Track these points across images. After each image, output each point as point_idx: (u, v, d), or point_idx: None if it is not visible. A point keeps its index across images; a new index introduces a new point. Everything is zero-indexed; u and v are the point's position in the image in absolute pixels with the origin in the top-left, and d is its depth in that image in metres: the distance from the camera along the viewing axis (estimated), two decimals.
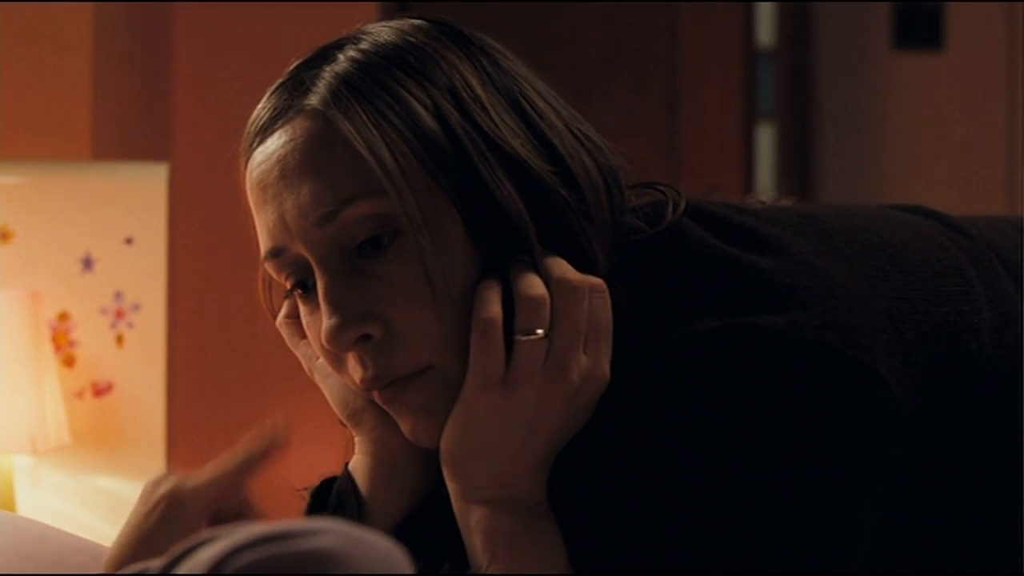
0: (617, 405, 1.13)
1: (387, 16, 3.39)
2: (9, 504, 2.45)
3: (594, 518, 1.13)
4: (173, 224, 2.67)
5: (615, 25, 3.75)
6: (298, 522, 0.84)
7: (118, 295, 2.63)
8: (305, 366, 1.21)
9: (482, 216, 1.11)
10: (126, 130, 3.03)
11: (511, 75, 1.17)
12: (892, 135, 4.03)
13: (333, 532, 0.82)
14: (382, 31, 1.17)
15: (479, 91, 1.14)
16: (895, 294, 1.15)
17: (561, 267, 1.11)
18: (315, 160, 1.12)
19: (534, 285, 1.11)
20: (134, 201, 2.64)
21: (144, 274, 2.62)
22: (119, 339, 2.62)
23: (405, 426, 1.14)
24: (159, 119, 3.14)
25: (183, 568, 0.83)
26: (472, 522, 1.13)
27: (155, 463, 2.62)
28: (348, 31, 1.19)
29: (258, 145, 1.15)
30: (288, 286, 1.16)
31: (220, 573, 0.81)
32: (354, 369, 1.13)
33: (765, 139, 4.04)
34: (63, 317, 2.61)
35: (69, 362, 2.61)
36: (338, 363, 1.15)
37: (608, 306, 1.12)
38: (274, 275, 1.17)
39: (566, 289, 1.11)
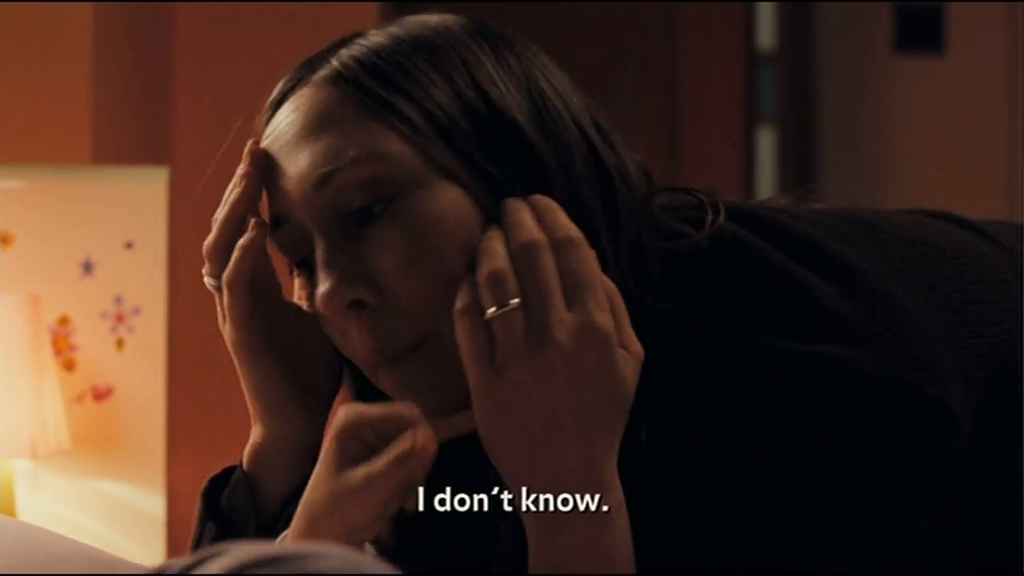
0: (675, 411, 1.10)
1: (387, 16, 3.39)
2: (9, 509, 2.44)
3: (653, 523, 1.10)
4: (173, 228, 2.66)
5: (615, 28, 3.74)
6: (296, 545, 0.83)
7: (118, 299, 2.62)
8: None
9: (485, 190, 1.11)
10: (126, 134, 3.02)
11: (528, 63, 1.17)
12: (893, 138, 4.02)
13: (330, 557, 0.81)
14: (407, 21, 1.18)
15: (491, 70, 1.14)
16: (955, 318, 1.13)
17: (522, 227, 1.08)
18: (314, 126, 1.13)
19: (489, 259, 1.07)
20: (134, 205, 2.63)
21: (144, 278, 2.62)
22: (119, 343, 2.62)
23: (415, 403, 1.11)
24: (159, 123, 3.13)
25: None
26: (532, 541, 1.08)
27: (155, 467, 2.61)
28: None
29: (269, 121, 1.17)
30: (294, 261, 1.16)
31: None
32: (359, 342, 1.12)
33: (766, 142, 4.04)
34: (63, 321, 2.61)
35: (69, 366, 2.61)
36: (342, 337, 1.14)
37: (589, 258, 1.08)
38: (280, 251, 1.17)
39: (522, 249, 1.07)
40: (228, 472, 1.24)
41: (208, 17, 3.18)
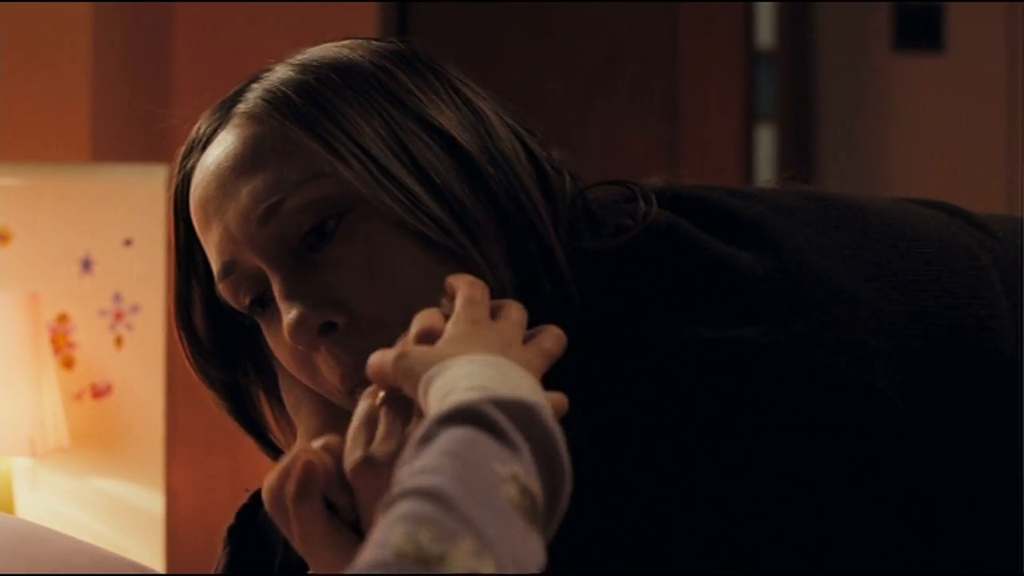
0: (608, 413, 1.07)
1: (386, 16, 3.39)
2: (8, 506, 2.44)
3: (593, 525, 1.07)
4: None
5: (615, 27, 3.74)
6: None
7: (117, 297, 2.62)
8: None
9: (422, 214, 1.08)
10: (125, 132, 3.02)
11: (449, 78, 1.15)
12: (892, 137, 4.02)
13: None
14: (316, 49, 1.16)
15: (411, 86, 1.12)
16: (902, 298, 1.11)
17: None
18: (249, 160, 1.10)
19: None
20: (133, 203, 2.63)
21: (143, 276, 2.62)
22: (118, 341, 2.62)
23: None
24: (158, 121, 3.13)
25: None
26: None
27: (154, 465, 2.61)
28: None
29: (195, 163, 1.14)
30: (246, 303, 1.13)
31: None
32: (331, 373, 1.09)
33: (765, 141, 4.04)
34: (62, 319, 2.61)
35: (68, 364, 2.61)
36: (311, 373, 1.11)
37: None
38: (231, 300, 1.13)
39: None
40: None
41: (208, 17, 3.18)
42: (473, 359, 0.93)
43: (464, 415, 0.85)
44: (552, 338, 1.00)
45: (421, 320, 0.99)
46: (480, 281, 1.02)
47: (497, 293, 1.07)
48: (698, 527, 1.05)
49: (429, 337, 0.98)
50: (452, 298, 1.02)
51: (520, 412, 0.87)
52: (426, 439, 0.85)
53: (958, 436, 1.10)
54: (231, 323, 1.17)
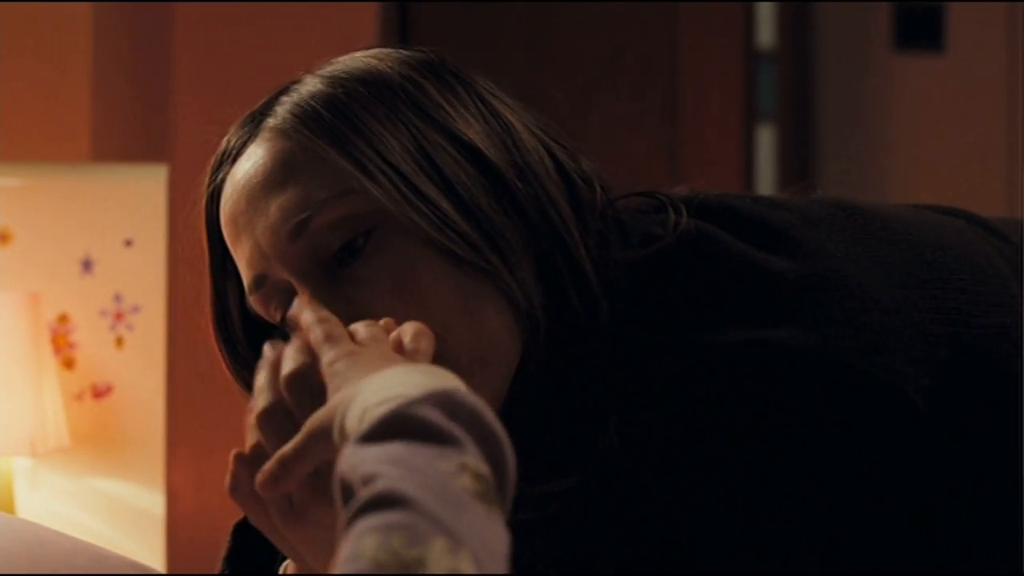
0: (641, 417, 1.08)
1: (386, 16, 3.39)
2: (8, 506, 2.44)
3: (625, 524, 1.09)
4: (173, 226, 2.66)
5: (615, 27, 3.74)
6: None
7: (118, 297, 2.62)
8: None
9: (445, 227, 1.09)
10: (126, 132, 3.02)
11: (477, 88, 1.15)
12: (893, 137, 4.02)
13: None
14: (344, 60, 1.16)
15: (440, 99, 1.13)
16: (930, 305, 1.12)
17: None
18: (279, 176, 1.11)
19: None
20: (134, 203, 2.63)
21: (144, 276, 2.62)
22: (119, 341, 2.62)
23: None
24: (159, 121, 3.13)
25: None
26: None
27: (154, 466, 2.61)
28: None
29: (225, 176, 1.14)
30: (277, 318, 1.14)
31: None
32: None
33: (765, 141, 4.03)
34: (63, 319, 2.61)
35: (68, 364, 2.61)
36: None
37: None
38: (262, 312, 1.14)
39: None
40: None
41: (207, 16, 3.18)
42: (368, 381, 0.92)
43: (387, 430, 0.84)
44: (425, 338, 0.99)
45: (291, 361, 0.97)
46: (328, 314, 0.99)
47: (526, 309, 1.08)
48: (730, 525, 1.06)
49: (301, 382, 0.96)
50: (295, 329, 1.00)
51: (443, 401, 0.86)
52: (359, 445, 0.84)
53: (979, 441, 1.12)
54: (265, 331, 1.17)
